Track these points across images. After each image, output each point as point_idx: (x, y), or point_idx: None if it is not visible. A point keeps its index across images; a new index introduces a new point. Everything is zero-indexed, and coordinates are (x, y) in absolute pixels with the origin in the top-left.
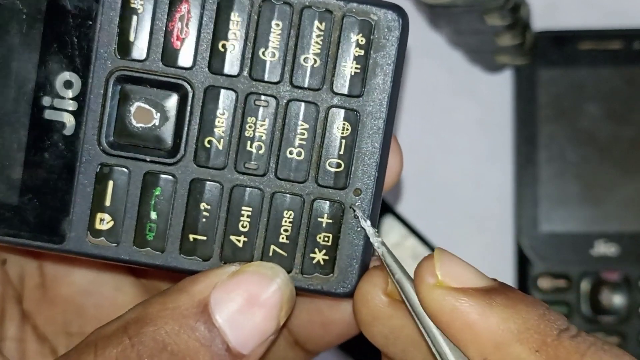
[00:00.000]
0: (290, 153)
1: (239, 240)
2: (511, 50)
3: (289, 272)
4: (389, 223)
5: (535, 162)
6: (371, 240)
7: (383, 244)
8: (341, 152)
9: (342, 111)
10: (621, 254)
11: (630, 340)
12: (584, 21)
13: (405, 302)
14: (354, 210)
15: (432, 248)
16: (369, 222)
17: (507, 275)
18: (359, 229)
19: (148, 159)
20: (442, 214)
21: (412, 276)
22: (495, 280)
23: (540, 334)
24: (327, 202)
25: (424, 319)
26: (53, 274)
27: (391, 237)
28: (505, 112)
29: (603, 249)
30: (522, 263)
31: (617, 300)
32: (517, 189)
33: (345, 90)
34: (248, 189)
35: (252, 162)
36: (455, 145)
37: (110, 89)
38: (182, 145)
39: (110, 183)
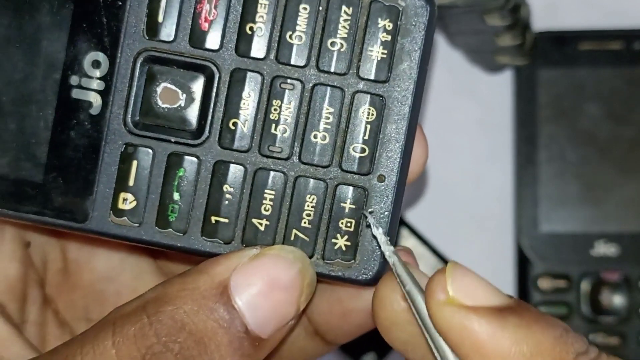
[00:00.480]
0: (315, 137)
1: (260, 224)
2: (511, 51)
3: (310, 257)
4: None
5: (535, 162)
6: (382, 248)
7: (395, 253)
8: (366, 137)
9: (368, 96)
10: (621, 254)
11: (630, 340)
12: (584, 21)
13: (415, 314)
14: (366, 217)
15: (431, 247)
16: (381, 230)
17: (507, 275)
18: (382, 215)
19: (172, 140)
20: (442, 214)
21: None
22: (511, 297)
23: (555, 357)
24: (351, 188)
25: (433, 334)
26: (76, 259)
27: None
28: (505, 112)
29: (603, 249)
30: (522, 263)
31: (617, 300)
32: (517, 189)
33: (371, 76)
34: (272, 172)
35: (277, 146)
36: (455, 145)
37: (137, 69)
38: (207, 126)
39: (135, 163)
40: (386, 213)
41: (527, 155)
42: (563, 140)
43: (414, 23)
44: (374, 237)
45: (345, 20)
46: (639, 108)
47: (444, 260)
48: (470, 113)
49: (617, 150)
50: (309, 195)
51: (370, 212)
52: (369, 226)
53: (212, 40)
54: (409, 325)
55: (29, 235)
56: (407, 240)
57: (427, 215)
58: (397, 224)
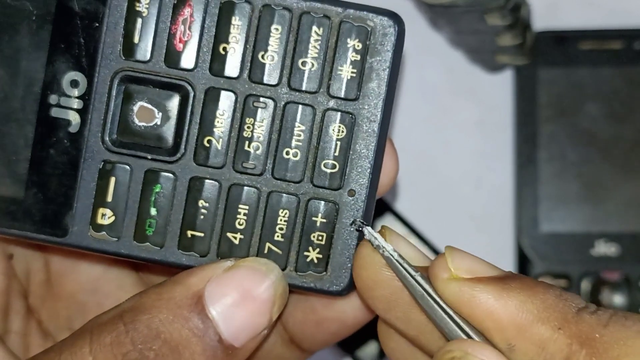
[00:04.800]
0: (287, 154)
1: (235, 237)
2: (511, 50)
3: (283, 269)
4: (389, 222)
5: (536, 162)
6: (381, 250)
7: (395, 251)
8: (336, 154)
9: (338, 114)
10: (621, 254)
11: None
12: (585, 21)
13: (418, 301)
14: (363, 224)
15: (431, 247)
16: (377, 234)
17: None
18: (352, 229)
19: (149, 157)
20: (442, 214)
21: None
22: (506, 271)
23: (560, 312)
24: (322, 202)
25: (437, 308)
26: (58, 270)
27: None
28: (506, 112)
29: (603, 248)
30: (523, 263)
31: (618, 300)
32: (517, 189)
33: (341, 94)
34: (245, 187)
35: (250, 162)
36: (455, 145)
37: (114, 89)
38: (183, 144)
39: (112, 179)
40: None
41: (527, 155)
42: (563, 140)
43: (382, 43)
44: (370, 238)
45: (315, 40)
46: (639, 108)
47: (430, 246)
48: (470, 113)
49: (617, 150)
50: (281, 210)
51: (354, 222)
52: (359, 230)
53: (187, 60)
54: (392, 281)
55: (11, 247)
56: (407, 239)
57: (427, 215)
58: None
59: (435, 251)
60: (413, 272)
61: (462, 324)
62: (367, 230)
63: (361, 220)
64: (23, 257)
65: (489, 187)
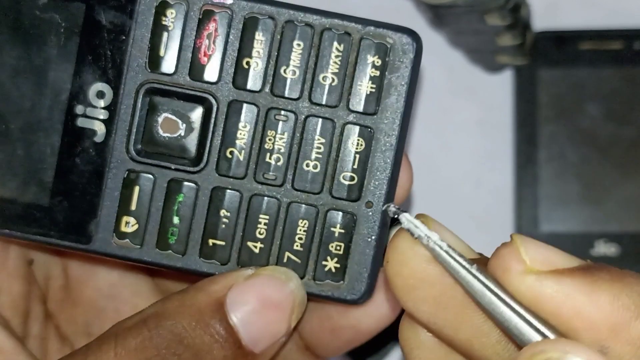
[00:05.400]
0: (307, 166)
1: (255, 247)
2: (511, 50)
3: (301, 277)
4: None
5: (536, 162)
6: (419, 232)
7: (443, 241)
8: (355, 166)
9: (357, 128)
10: (621, 254)
11: None
12: (585, 21)
13: (478, 301)
14: (399, 211)
15: None
16: (419, 222)
17: None
18: (369, 239)
19: (173, 167)
20: (442, 214)
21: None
22: (586, 260)
23: None
24: (340, 213)
25: (505, 308)
26: (77, 276)
27: None
28: (505, 112)
29: (603, 249)
30: None
31: None
32: (517, 189)
33: (360, 108)
34: (266, 198)
35: (271, 173)
36: (455, 145)
37: (139, 100)
38: (205, 155)
39: (137, 188)
40: (373, 237)
41: (527, 155)
42: (563, 140)
43: (401, 60)
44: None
45: (336, 56)
46: (639, 108)
47: None
48: (470, 113)
49: (617, 150)
50: (301, 220)
51: (388, 207)
52: (394, 218)
53: (211, 73)
54: (442, 278)
55: (32, 253)
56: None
57: (427, 214)
58: (383, 247)
59: None
60: (468, 265)
61: (538, 324)
62: (405, 217)
63: (397, 206)
64: (42, 263)
65: (489, 187)
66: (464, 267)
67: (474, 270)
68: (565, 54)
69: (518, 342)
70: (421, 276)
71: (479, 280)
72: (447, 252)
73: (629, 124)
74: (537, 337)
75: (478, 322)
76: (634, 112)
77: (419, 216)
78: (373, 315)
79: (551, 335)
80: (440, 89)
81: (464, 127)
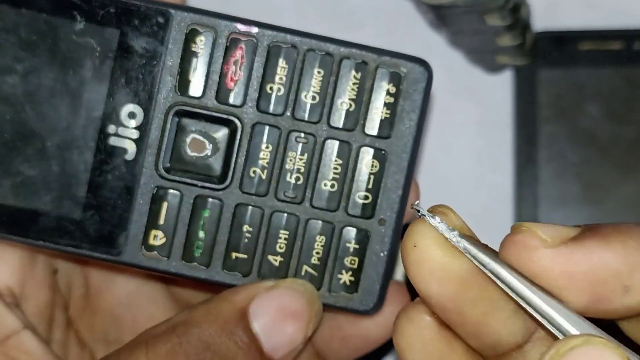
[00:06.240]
0: (325, 185)
1: (275, 260)
2: (511, 51)
3: (318, 289)
4: None
5: (535, 162)
6: (447, 236)
7: (462, 236)
8: (369, 186)
9: (372, 150)
10: None
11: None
12: (584, 21)
13: (505, 284)
14: (418, 211)
15: None
16: (437, 219)
17: None
18: (381, 254)
19: (199, 184)
20: None
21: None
22: (581, 225)
23: None
24: (355, 230)
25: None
26: (97, 285)
27: None
28: (505, 112)
29: None
30: None
31: None
32: (517, 189)
33: (375, 132)
34: (286, 214)
35: (291, 191)
36: (455, 145)
37: (169, 121)
38: (230, 173)
39: (165, 204)
40: (385, 252)
41: (527, 155)
42: (563, 140)
43: (414, 88)
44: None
45: (354, 83)
46: (639, 108)
47: None
48: (470, 113)
49: (617, 150)
50: (318, 236)
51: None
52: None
53: (236, 97)
54: (465, 261)
55: (56, 262)
56: None
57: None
58: (394, 261)
59: None
60: (494, 259)
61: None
62: (432, 220)
63: (415, 207)
64: (66, 272)
65: (489, 187)
66: (489, 260)
67: (499, 263)
68: (565, 54)
69: (548, 328)
70: (449, 258)
71: (508, 272)
72: (471, 251)
73: (629, 124)
74: (568, 326)
75: (495, 296)
76: (633, 112)
77: (440, 207)
78: (381, 325)
79: (582, 322)
80: (440, 89)
81: (463, 127)
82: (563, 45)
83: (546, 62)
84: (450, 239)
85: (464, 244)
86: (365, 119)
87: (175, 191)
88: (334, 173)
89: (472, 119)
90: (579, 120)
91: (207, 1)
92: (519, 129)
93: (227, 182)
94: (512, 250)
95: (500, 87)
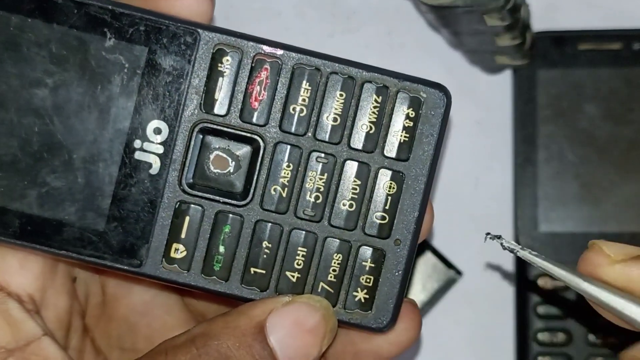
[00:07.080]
0: (343, 205)
1: (293, 276)
2: (511, 51)
3: (333, 306)
4: None
5: (535, 162)
6: (532, 261)
7: (537, 256)
8: (387, 207)
9: (390, 172)
10: None
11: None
12: (584, 22)
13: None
14: (513, 249)
15: (430, 247)
16: (528, 251)
17: (507, 275)
18: (397, 273)
19: (220, 200)
20: (442, 214)
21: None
22: None
23: None
24: (371, 249)
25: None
26: (113, 294)
27: None
28: (505, 112)
29: None
30: (522, 263)
31: None
32: (516, 189)
33: (394, 155)
34: (304, 232)
35: (310, 210)
36: (455, 145)
37: (193, 138)
38: (251, 190)
39: (187, 218)
40: (400, 271)
41: (526, 155)
42: (562, 140)
43: (432, 112)
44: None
45: (374, 107)
46: (638, 108)
47: (444, 260)
48: (469, 113)
49: (616, 150)
50: (335, 254)
51: (496, 237)
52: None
53: (260, 117)
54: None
55: (75, 270)
56: (425, 253)
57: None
58: (407, 279)
59: (435, 250)
60: (577, 275)
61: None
62: (521, 252)
63: (509, 241)
64: (84, 281)
65: (489, 187)
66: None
67: (583, 278)
68: (565, 55)
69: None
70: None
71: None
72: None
73: (628, 124)
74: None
75: None
76: (633, 112)
77: (594, 243)
78: (393, 342)
79: None
80: None
81: (463, 127)
82: (562, 46)
83: (545, 62)
84: (530, 260)
85: (546, 264)
86: (384, 141)
87: (197, 206)
88: (353, 193)
89: (472, 118)
90: (578, 120)
91: None
92: (518, 129)
93: (248, 199)
94: (587, 267)
95: (499, 87)
